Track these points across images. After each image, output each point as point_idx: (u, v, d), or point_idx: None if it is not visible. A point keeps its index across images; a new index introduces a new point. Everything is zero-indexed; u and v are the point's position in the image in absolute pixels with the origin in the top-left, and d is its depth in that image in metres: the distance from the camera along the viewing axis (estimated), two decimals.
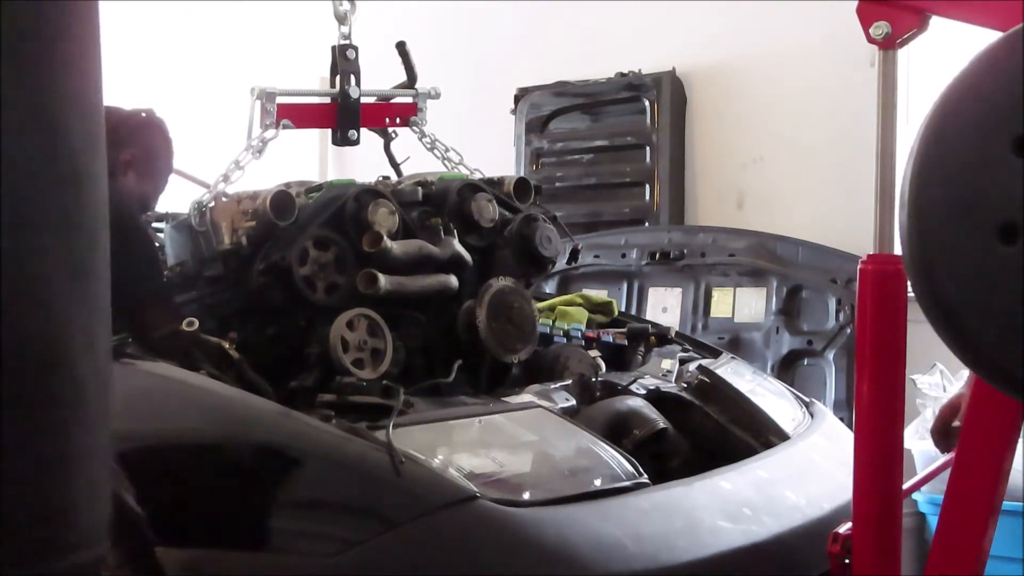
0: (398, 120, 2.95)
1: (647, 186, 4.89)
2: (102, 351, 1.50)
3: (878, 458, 1.85)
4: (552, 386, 2.51)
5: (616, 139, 4.98)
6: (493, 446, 2.17)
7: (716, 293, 4.58)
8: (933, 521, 3.73)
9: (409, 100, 2.95)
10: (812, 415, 2.81)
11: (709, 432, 2.59)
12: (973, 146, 1.41)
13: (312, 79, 4.30)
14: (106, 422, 1.53)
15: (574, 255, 2.99)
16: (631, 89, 4.86)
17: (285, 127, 2.67)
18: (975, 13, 1.80)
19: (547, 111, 5.07)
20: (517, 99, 5.12)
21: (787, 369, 4.34)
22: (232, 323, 2.45)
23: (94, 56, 1.49)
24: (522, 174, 3.65)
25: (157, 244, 2.78)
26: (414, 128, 2.94)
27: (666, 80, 4.89)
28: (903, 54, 1.86)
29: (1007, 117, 1.38)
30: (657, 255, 4.54)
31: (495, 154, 4.48)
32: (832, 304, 4.36)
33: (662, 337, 2.89)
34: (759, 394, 2.74)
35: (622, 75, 4.88)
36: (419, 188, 2.70)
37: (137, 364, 2.25)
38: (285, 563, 1.95)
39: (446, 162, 2.97)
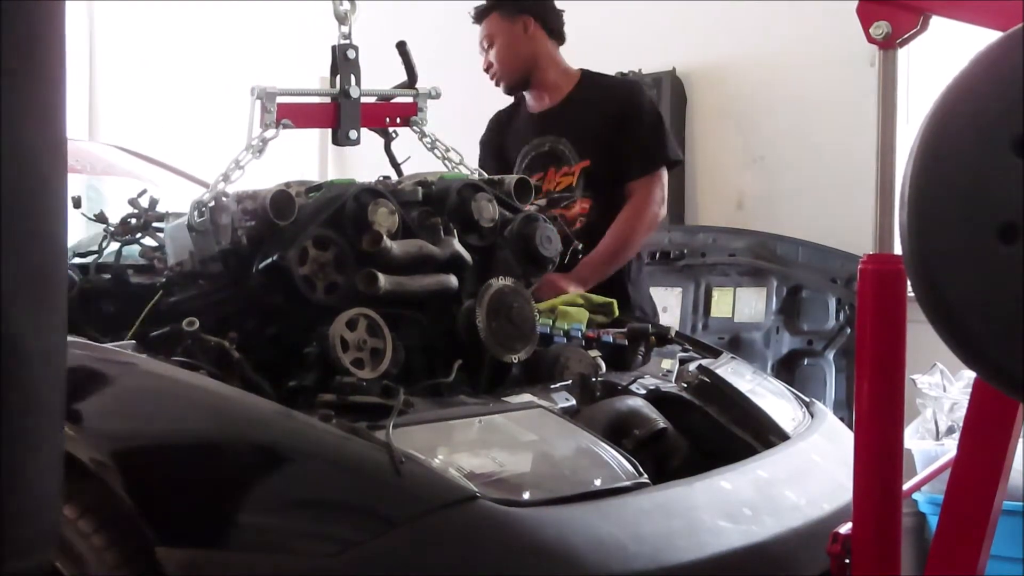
0: (398, 120, 2.95)
1: None
2: (58, 360, 1.47)
3: (878, 458, 1.85)
4: (552, 386, 2.51)
5: None
6: (493, 446, 2.17)
7: (716, 293, 4.58)
8: (933, 521, 3.73)
9: (409, 100, 2.94)
10: (812, 415, 2.81)
11: (709, 432, 2.58)
12: (973, 146, 1.41)
13: (312, 79, 4.30)
14: (59, 431, 1.50)
15: (574, 256, 2.98)
16: None
17: (285, 127, 2.67)
18: (975, 13, 1.80)
19: None
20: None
21: (787, 369, 4.34)
22: (232, 322, 2.44)
23: (58, 60, 1.47)
24: (522, 174, 3.64)
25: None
26: (414, 128, 2.94)
27: (666, 80, 4.89)
28: (903, 54, 1.86)
29: (1007, 117, 1.38)
30: (657, 255, 4.54)
31: None
32: (832, 304, 4.36)
33: (662, 337, 2.89)
34: (759, 394, 2.73)
35: (622, 75, 4.87)
36: (419, 188, 2.69)
37: (137, 363, 2.25)
38: (285, 563, 1.95)
39: (446, 162, 2.97)
